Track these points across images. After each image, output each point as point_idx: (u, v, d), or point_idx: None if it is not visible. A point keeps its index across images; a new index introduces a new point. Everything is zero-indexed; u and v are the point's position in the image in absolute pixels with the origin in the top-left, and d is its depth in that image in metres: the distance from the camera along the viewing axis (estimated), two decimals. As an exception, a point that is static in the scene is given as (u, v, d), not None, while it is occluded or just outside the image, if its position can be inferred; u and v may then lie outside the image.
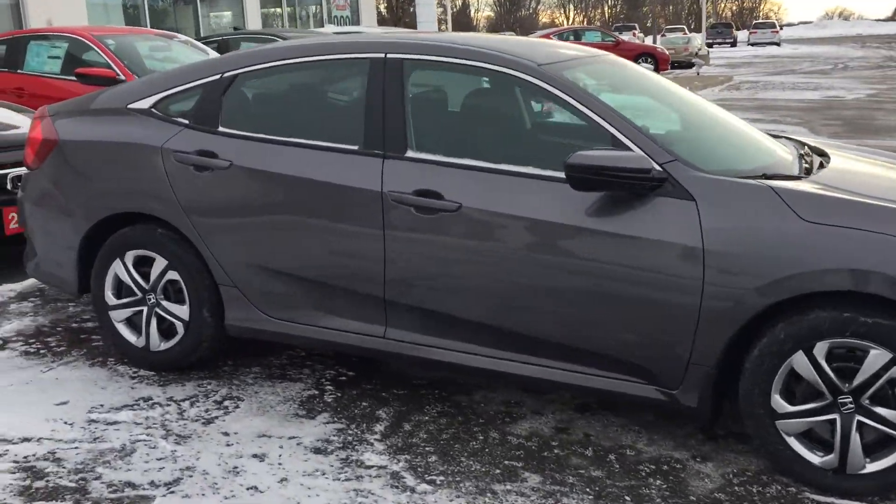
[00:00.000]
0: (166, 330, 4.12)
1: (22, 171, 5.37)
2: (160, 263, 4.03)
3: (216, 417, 3.70)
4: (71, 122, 4.27)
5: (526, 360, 3.49)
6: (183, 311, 4.04)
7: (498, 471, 3.28)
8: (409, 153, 3.59)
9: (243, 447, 3.45)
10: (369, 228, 3.60)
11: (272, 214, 3.79)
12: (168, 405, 3.81)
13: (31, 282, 5.44)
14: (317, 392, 3.95)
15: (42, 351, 4.40)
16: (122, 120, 4.13)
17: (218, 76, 4.00)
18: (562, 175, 3.29)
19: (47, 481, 3.19)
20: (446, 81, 3.93)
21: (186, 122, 4.00)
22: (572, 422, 3.69)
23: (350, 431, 3.58)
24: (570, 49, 4.12)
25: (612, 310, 3.27)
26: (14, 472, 3.24)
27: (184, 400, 3.86)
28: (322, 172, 3.69)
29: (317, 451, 3.42)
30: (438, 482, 3.20)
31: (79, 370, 4.17)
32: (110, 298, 4.19)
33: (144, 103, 4.12)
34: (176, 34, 10.39)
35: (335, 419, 3.68)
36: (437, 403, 3.84)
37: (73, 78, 7.81)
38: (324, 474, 3.25)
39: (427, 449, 3.44)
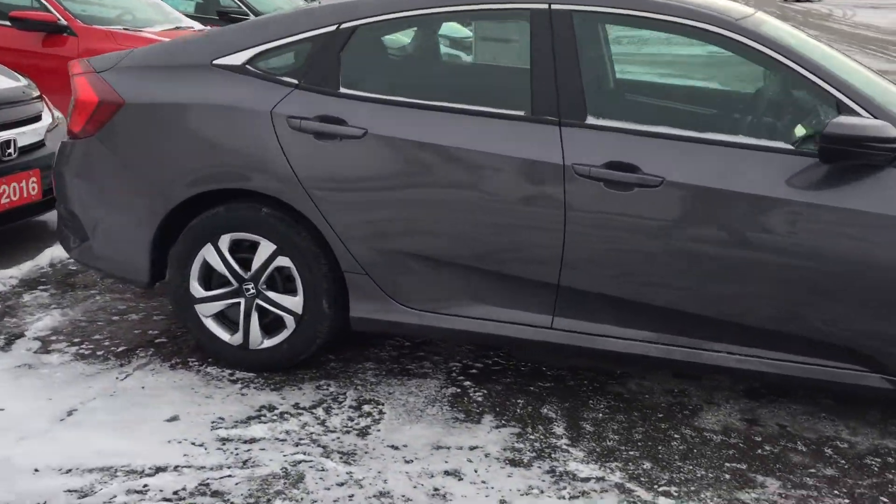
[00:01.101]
0: (268, 325, 3.54)
1: (17, 133, 4.61)
2: (266, 248, 3.43)
3: (369, 427, 3.19)
4: (136, 81, 3.55)
5: (709, 346, 3.18)
6: (294, 302, 3.46)
7: (727, 476, 2.97)
8: (590, 120, 3.16)
9: (428, 463, 2.98)
10: (545, 206, 3.15)
11: (419, 190, 3.27)
12: (300, 414, 3.26)
13: (30, 265, 4.64)
14: (458, 390, 3.50)
15: (99, 353, 3.71)
16: (210, 79, 3.46)
17: (333, 28, 3.39)
18: (784, 146, 2.97)
19: (222, 523, 2.64)
20: (621, 37, 3.49)
21: (295, 81, 3.38)
22: (754, 411, 3.43)
23: (531, 436, 3.16)
24: (720, 3, 3.76)
25: (841, 294, 2.99)
26: (173, 514, 2.67)
27: (314, 407, 3.32)
28: (483, 142, 3.20)
29: (513, 462, 3.00)
30: (675, 493, 2.86)
31: (162, 375, 3.53)
32: (197, 290, 3.55)
33: (235, 59, 3.46)
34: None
35: (503, 422, 3.26)
36: (596, 396, 3.48)
37: (7, 23, 6.75)
38: (542, 492, 2.84)
39: (631, 453, 3.08)
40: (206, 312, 3.56)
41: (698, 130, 3.10)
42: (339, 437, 3.12)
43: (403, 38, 3.85)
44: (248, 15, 9.43)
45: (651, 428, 3.26)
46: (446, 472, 2.93)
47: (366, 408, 3.33)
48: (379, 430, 3.18)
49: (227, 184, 3.40)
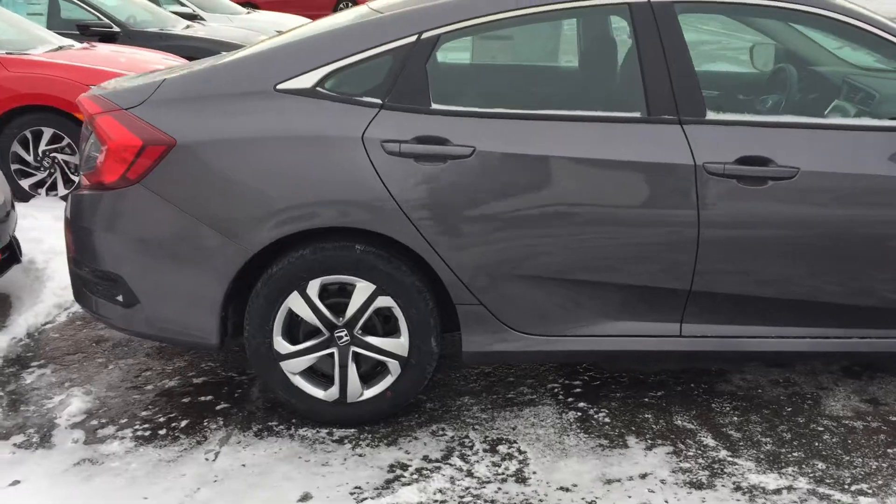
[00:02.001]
0: (365, 373, 3.18)
1: None
2: (364, 290, 3.07)
3: (522, 471, 2.94)
4: (183, 116, 3.07)
5: (833, 333, 3.15)
6: (397, 344, 3.13)
7: (900, 461, 2.95)
8: (710, 115, 3.03)
9: (613, 501, 2.77)
10: (678, 209, 3.00)
11: (539, 207, 3.02)
12: (439, 468, 2.95)
13: (5, 340, 3.97)
14: (578, 413, 3.29)
15: (161, 432, 3.21)
16: (278, 106, 3.05)
17: (413, 38, 3.06)
18: None
19: None
20: (717, 26, 3.35)
21: (378, 101, 3.04)
22: (865, 390, 3.46)
23: (689, 453, 3.03)
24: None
25: None
26: None
27: (447, 458, 3.02)
28: (603, 149, 3.00)
29: (695, 485, 2.86)
30: (869, 490, 2.81)
31: (255, 447, 3.10)
32: (282, 345, 3.13)
33: (302, 81, 3.06)
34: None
35: (650, 441, 3.10)
36: (714, 399, 3.39)
37: None
38: (751, 512, 2.71)
39: (795, 454, 3.02)
40: (294, 369, 3.16)
41: (823, 116, 3.04)
42: (500, 488, 2.84)
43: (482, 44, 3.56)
44: (111, 27, 8.63)
45: (791, 424, 3.20)
46: (658, 507, 2.73)
47: (501, 449, 3.06)
48: (535, 473, 2.92)
49: (319, 222, 3.01)
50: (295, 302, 3.08)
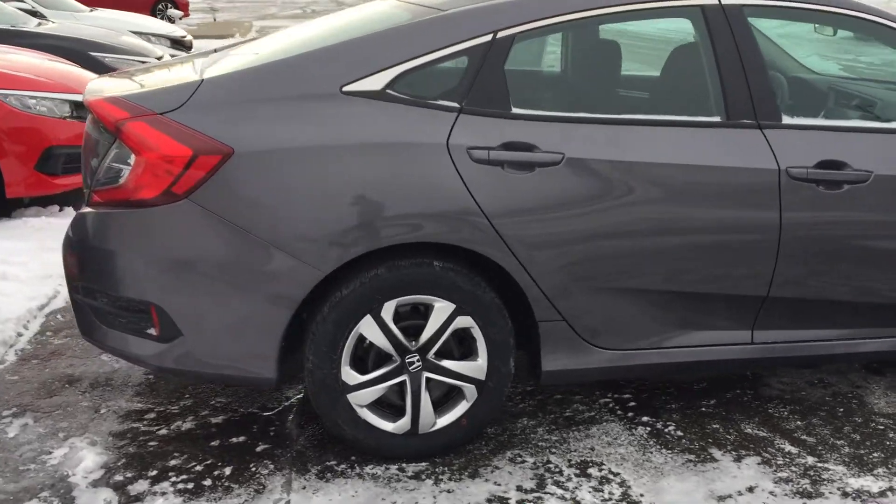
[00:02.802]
0: (436, 400, 2.92)
1: None
2: (444, 309, 2.81)
3: (628, 493, 2.78)
4: (236, 121, 2.69)
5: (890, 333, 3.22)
6: (475, 367, 2.89)
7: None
8: (786, 119, 3.00)
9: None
10: (762, 214, 2.95)
11: (628, 216, 2.87)
12: (541, 499, 2.74)
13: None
14: (648, 429, 3.17)
15: (207, 482, 2.79)
16: (347, 110, 2.73)
17: (488, 38, 2.84)
18: None
19: None
20: (787, 31, 3.32)
21: (456, 104, 2.79)
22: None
23: (779, 461, 2.98)
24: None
25: None
26: None
27: (542, 486, 2.81)
28: (691, 154, 2.90)
29: (805, 494, 2.80)
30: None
31: (327, 493, 2.75)
32: (350, 375, 2.81)
33: (371, 83, 2.76)
34: None
35: (736, 453, 3.03)
36: (768, 405, 3.37)
37: None
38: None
39: (879, 455, 3.04)
40: (362, 401, 2.84)
41: (891, 120, 3.09)
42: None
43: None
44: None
45: (852, 424, 3.23)
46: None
47: (593, 472, 2.89)
48: (643, 496, 2.77)
49: (400, 238, 2.72)
50: (367, 327, 2.78)
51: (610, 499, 2.75)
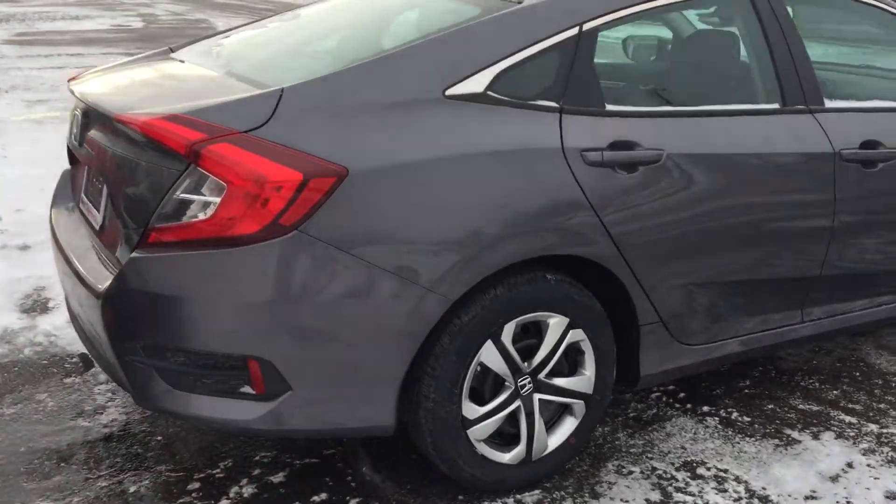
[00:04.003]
0: (546, 422, 2.74)
1: None
2: (558, 325, 2.63)
3: (765, 490, 2.75)
4: (342, 135, 2.30)
5: None
6: (583, 382, 2.74)
7: None
8: (828, 103, 3.10)
9: None
10: (823, 197, 3.03)
11: (724, 209, 2.83)
12: (680, 509, 2.66)
13: None
14: (720, 420, 3.17)
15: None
16: (454, 116, 2.44)
17: (574, 31, 2.66)
18: None
19: None
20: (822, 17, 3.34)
21: (555, 104, 2.59)
22: (883, 346, 3.80)
23: (850, 432, 3.09)
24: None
25: None
26: None
27: (669, 497, 2.71)
28: (769, 143, 2.92)
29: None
30: None
31: (465, 541, 2.50)
32: (471, 409, 2.55)
33: (471, 85, 2.49)
34: None
35: (812, 429, 3.11)
36: (797, 379, 3.49)
37: None
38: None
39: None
40: (480, 436, 2.59)
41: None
42: (760, 512, 2.65)
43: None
44: None
45: (884, 389, 3.41)
46: None
47: (702, 472, 2.84)
48: (765, 488, 2.77)
49: (525, 253, 2.49)
50: (488, 353, 2.53)
51: (739, 498, 2.71)
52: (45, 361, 3.49)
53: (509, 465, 2.66)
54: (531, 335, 2.63)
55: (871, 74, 3.61)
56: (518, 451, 2.66)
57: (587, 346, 2.70)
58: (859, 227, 3.15)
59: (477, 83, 2.49)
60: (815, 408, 3.25)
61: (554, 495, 2.70)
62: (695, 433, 3.06)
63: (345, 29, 3.22)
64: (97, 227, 2.68)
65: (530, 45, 2.58)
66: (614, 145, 2.61)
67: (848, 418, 3.18)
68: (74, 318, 2.85)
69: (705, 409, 3.23)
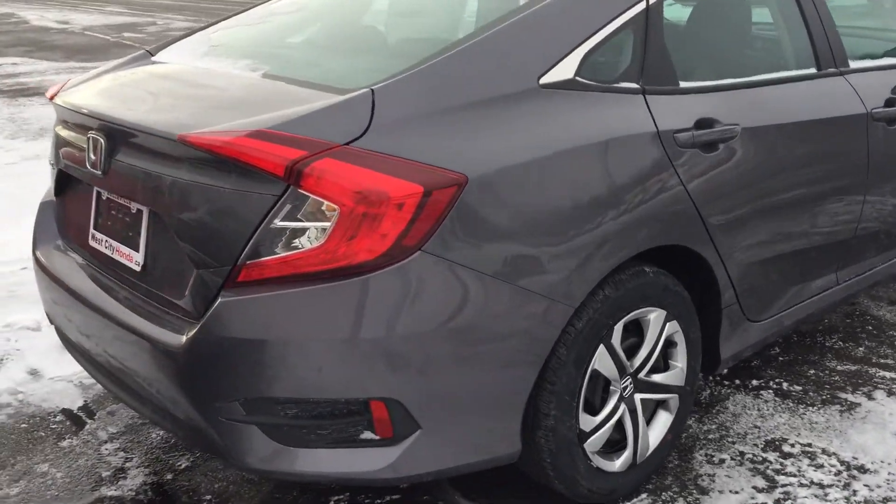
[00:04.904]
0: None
1: None
2: (658, 319, 2.48)
3: (852, 459, 2.73)
4: (454, 139, 2.05)
5: None
6: (676, 375, 2.61)
7: None
8: (852, 64, 3.09)
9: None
10: (860, 159, 3.04)
11: (795, 179, 2.78)
12: (789, 489, 2.58)
13: None
14: (775, 392, 3.14)
15: None
16: (553, 107, 2.22)
17: (641, 6, 2.49)
18: None
19: None
20: None
21: (635, 85, 2.43)
22: (881, 297, 3.89)
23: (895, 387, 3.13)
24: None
25: None
26: None
27: (773, 481, 2.64)
28: (823, 109, 2.88)
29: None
30: None
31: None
32: (587, 421, 2.37)
33: (561, 71, 2.28)
34: None
35: (862, 389, 3.13)
36: (820, 340, 3.51)
37: None
38: None
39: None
40: (594, 447, 2.42)
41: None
42: (865, 485, 2.61)
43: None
44: None
45: (901, 339, 3.50)
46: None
47: (788, 450, 2.79)
48: (856, 458, 2.74)
49: (636, 247, 2.32)
50: (601, 359, 2.35)
51: (839, 471, 2.67)
52: (25, 425, 3.01)
53: (618, 473, 2.50)
54: (632, 334, 2.47)
55: (882, 35, 3.63)
56: (626, 457, 2.50)
57: (680, 338, 2.57)
58: (885, 185, 3.18)
59: (567, 69, 2.29)
60: (852, 367, 3.27)
61: (663, 497, 2.56)
62: (759, 410, 3.01)
63: (370, 14, 2.92)
64: (135, 268, 2.29)
65: (608, 23, 2.39)
66: (699, 124, 2.47)
67: (888, 374, 3.22)
68: (107, 376, 2.44)
69: (754, 382, 3.18)
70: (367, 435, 2.06)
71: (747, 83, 2.69)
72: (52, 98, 2.62)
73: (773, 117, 2.70)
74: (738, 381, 3.19)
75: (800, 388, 3.14)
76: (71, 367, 3.38)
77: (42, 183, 5.46)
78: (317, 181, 1.91)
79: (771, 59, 2.95)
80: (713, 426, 2.92)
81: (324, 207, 1.93)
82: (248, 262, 1.98)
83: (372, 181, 1.93)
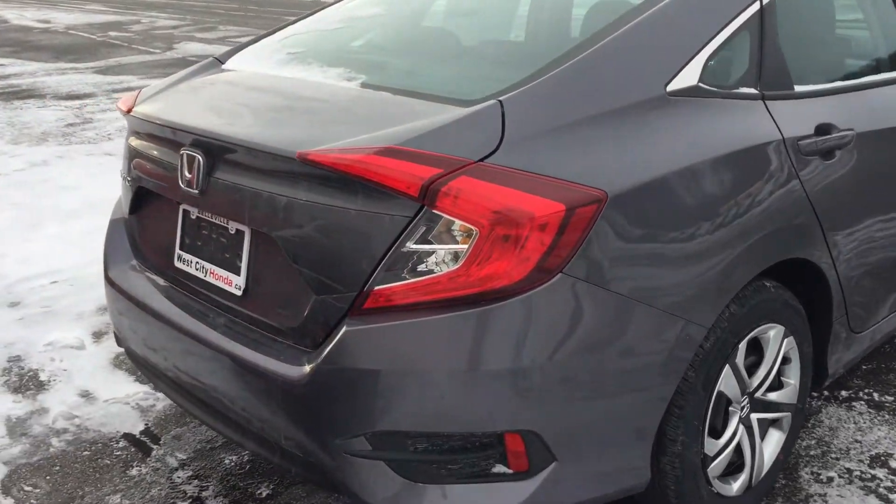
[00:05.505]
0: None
1: None
2: (777, 335, 2.36)
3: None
4: (590, 153, 1.92)
5: None
6: (789, 393, 2.50)
7: None
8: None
9: None
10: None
11: (893, 185, 2.67)
12: (910, 512, 2.48)
13: None
14: (865, 403, 3.03)
15: None
16: (682, 117, 2.09)
17: (755, 6, 2.37)
18: None
19: None
20: None
21: (754, 91, 2.30)
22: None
23: None
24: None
25: None
26: None
27: (885, 499, 2.54)
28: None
29: None
30: None
31: None
32: (711, 445, 2.25)
33: (686, 78, 2.14)
34: None
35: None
36: None
37: None
38: None
39: None
40: (717, 472, 2.30)
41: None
42: None
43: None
44: None
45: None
46: None
47: (894, 464, 2.69)
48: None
49: (765, 262, 2.21)
50: (727, 379, 2.23)
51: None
52: (87, 452, 2.85)
53: (735, 497, 2.38)
54: (751, 352, 2.35)
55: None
56: (743, 480, 2.39)
57: (794, 354, 2.46)
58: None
59: (691, 75, 2.16)
60: (891, 377, 3.18)
61: (773, 518, 2.45)
62: (856, 423, 2.90)
63: (458, 17, 2.78)
64: (235, 293, 2.14)
65: (726, 25, 2.26)
66: (819, 130, 2.36)
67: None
68: (196, 403, 2.29)
69: (843, 394, 3.08)
70: (500, 469, 1.93)
71: (857, 85, 2.59)
72: (128, 111, 2.46)
73: (885, 121, 2.58)
74: (826, 393, 3.08)
75: (891, 398, 3.04)
76: (124, 389, 3.23)
77: (55, 191, 5.25)
78: (454, 201, 1.78)
79: (875, 60, 2.83)
80: (812, 441, 2.81)
81: (458, 229, 1.79)
82: (375, 289, 1.84)
83: (512, 200, 1.79)
